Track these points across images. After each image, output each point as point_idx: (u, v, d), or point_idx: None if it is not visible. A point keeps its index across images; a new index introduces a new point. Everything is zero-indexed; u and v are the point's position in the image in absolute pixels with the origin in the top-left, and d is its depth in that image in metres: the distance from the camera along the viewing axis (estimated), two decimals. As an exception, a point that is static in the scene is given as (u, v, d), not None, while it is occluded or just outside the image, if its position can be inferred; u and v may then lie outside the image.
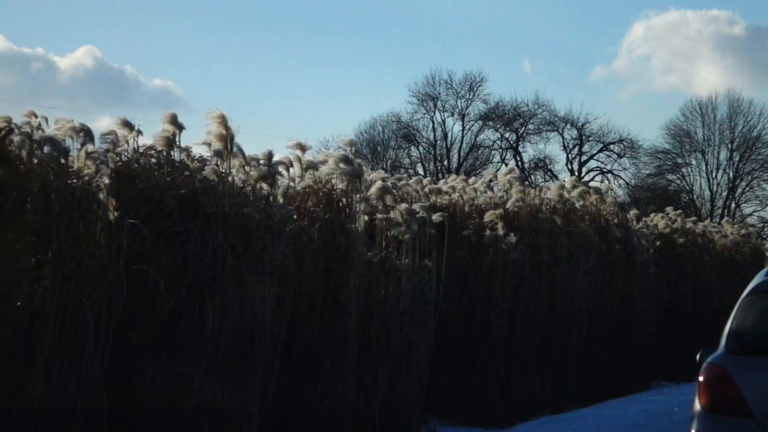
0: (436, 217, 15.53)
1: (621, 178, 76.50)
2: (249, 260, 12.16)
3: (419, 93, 75.48)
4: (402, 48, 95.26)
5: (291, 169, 14.09)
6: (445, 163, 76.02)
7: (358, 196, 14.30)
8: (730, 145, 73.89)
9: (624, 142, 76.16)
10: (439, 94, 76.49)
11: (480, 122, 77.76)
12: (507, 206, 18.56)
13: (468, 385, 17.79)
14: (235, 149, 12.45)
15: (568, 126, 77.16)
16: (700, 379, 9.75)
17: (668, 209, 26.92)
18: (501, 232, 17.87)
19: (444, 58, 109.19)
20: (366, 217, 14.66)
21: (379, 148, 76.28)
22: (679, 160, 75.90)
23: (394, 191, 15.79)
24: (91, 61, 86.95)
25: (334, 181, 14.01)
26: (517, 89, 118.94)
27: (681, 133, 75.04)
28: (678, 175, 76.54)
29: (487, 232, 17.86)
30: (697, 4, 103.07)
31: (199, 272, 11.79)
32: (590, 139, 77.68)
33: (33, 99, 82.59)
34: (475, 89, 76.68)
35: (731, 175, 74.10)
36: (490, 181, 19.48)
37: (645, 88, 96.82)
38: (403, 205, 15.11)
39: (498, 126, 78.22)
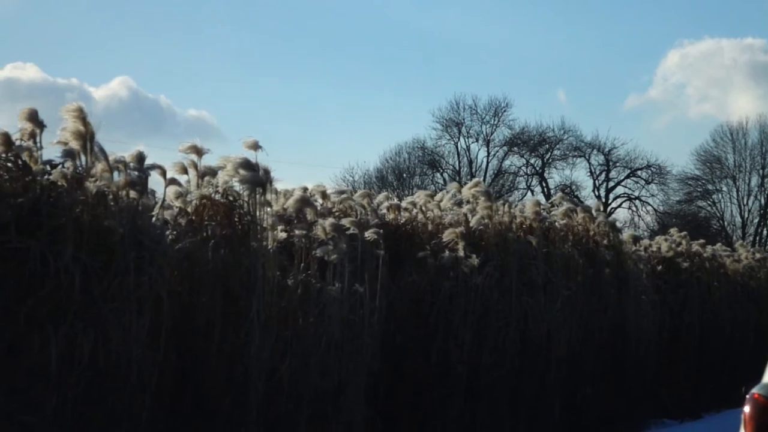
0: (369, 234, 13.31)
1: (649, 204, 74.31)
2: (108, 284, 9.99)
3: (443, 119, 73.89)
4: (433, 77, 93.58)
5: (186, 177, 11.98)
6: (470, 190, 73.82)
7: (269, 209, 12.15)
8: (761, 171, 71.57)
9: (652, 168, 74.03)
10: (464, 119, 74.96)
11: (505, 148, 75.99)
12: (471, 224, 16.31)
13: (426, 428, 15.53)
14: (96, 150, 10.29)
15: (595, 152, 75.15)
16: (745, 410, 9.92)
17: (672, 230, 24.53)
18: (462, 252, 15.62)
19: (475, 89, 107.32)
20: (284, 234, 12.51)
21: (404, 175, 74.65)
22: (710, 187, 73.63)
23: (324, 204, 13.67)
24: (126, 92, 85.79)
25: (237, 190, 11.85)
26: (542, 115, 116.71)
27: (711, 159, 72.97)
28: (708, 202, 74.33)
29: (447, 252, 15.62)
30: (731, 33, 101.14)
31: (40, 299, 9.63)
32: (617, 164, 75.56)
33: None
34: (500, 114, 75.16)
35: (763, 201, 71.79)
36: (454, 195, 17.19)
37: (679, 116, 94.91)
38: (329, 220, 12.92)
39: (523, 152, 76.45)
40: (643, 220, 73.27)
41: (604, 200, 74.30)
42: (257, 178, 11.59)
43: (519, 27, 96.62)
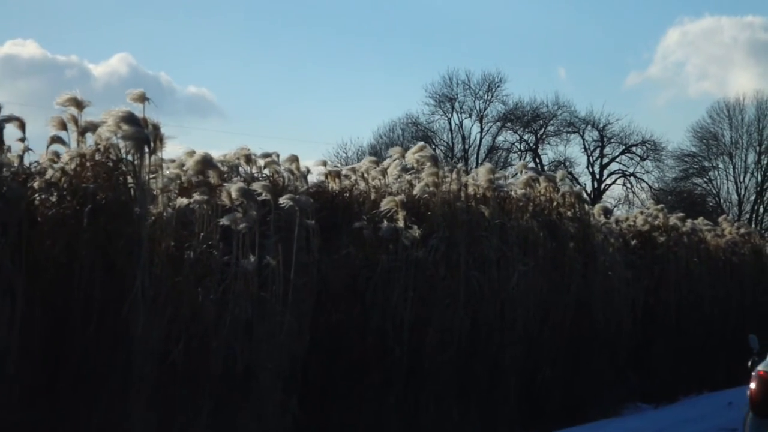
0: (283, 200, 11.85)
1: (644, 181, 72.72)
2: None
3: (436, 94, 72.27)
4: (431, 54, 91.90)
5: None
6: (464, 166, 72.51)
7: (168, 171, 10.73)
8: (758, 148, 70.01)
9: (647, 144, 72.36)
10: (457, 95, 73.30)
11: (498, 124, 74.47)
12: (414, 192, 14.87)
13: (362, 416, 14.13)
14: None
15: (589, 127, 73.54)
16: (752, 386, 10.04)
17: (649, 203, 23.05)
18: (402, 223, 14.20)
19: (473, 65, 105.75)
20: (183, 200, 11.10)
21: (398, 151, 73.13)
22: (706, 164, 72.07)
23: (248, 169, 12.25)
24: (126, 69, 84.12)
25: (123, 149, 10.41)
26: (537, 90, 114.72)
27: (708, 136, 71.28)
28: (704, 179, 72.69)
29: (385, 223, 14.19)
30: (732, 11, 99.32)
31: None
32: (612, 140, 73.90)
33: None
34: (493, 90, 73.40)
35: (759, 178, 70.23)
36: (395, 160, 15.74)
37: (679, 93, 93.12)
38: (237, 185, 11.48)
39: (517, 128, 74.84)
40: (637, 197, 71.72)
41: (598, 177, 72.86)
42: (142, 134, 10.15)
43: (520, 2, 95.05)
